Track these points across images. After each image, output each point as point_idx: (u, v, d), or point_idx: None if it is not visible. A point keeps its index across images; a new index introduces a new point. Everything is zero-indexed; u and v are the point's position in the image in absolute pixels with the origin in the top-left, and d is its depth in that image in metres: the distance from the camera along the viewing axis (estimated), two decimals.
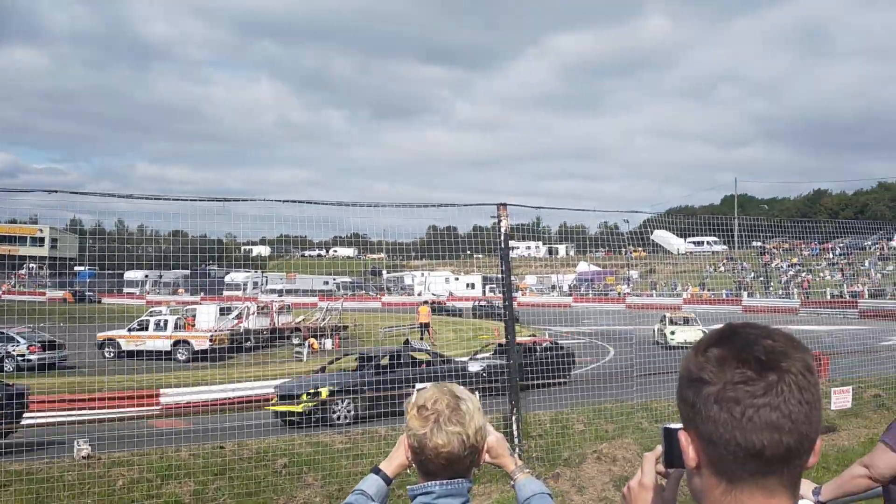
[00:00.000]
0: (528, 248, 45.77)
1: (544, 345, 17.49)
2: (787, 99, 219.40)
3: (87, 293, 25.43)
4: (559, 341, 18.50)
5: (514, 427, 9.05)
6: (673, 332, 23.92)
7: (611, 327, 23.65)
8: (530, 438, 9.75)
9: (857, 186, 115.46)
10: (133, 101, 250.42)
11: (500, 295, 9.96)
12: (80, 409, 12.99)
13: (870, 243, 42.95)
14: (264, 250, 36.04)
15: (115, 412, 13.35)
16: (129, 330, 24.62)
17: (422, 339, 26.20)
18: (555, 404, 11.24)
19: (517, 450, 9.01)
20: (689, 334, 22.73)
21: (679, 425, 1.29)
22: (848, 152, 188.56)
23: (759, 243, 29.61)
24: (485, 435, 2.25)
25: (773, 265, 38.93)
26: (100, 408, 12.62)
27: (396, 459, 2.37)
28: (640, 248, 23.11)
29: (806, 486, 3.44)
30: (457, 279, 44.34)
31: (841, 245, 36.38)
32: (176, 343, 24.27)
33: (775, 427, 1.11)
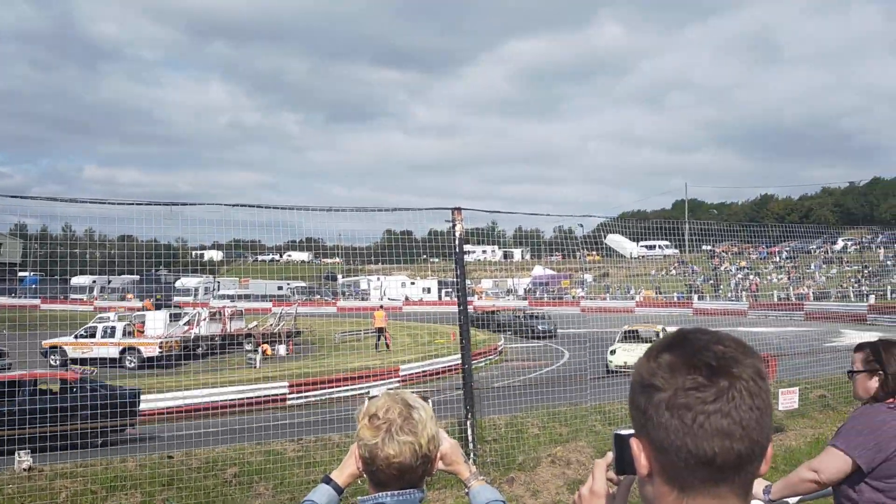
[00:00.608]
0: (484, 251, 45.94)
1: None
2: (735, 106, 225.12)
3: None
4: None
5: (469, 431, 9.03)
6: (614, 352, 19.96)
7: (566, 330, 23.89)
8: (485, 443, 9.74)
9: (802, 192, 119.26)
10: (81, 102, 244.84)
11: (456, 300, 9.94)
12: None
13: (815, 247, 44.20)
14: (216, 255, 35.49)
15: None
16: (76, 337, 23.96)
17: (378, 343, 26.07)
18: (510, 408, 11.26)
19: (472, 455, 8.99)
20: (633, 355, 18.63)
21: (630, 431, 1.27)
22: (793, 158, 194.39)
23: (709, 247, 30.23)
24: (438, 444, 2.22)
25: (722, 268, 39.78)
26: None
27: (347, 469, 2.33)
28: (594, 252, 23.34)
29: (757, 485, 3.49)
30: (413, 283, 44.22)
31: (787, 249, 37.38)
32: (124, 350, 23.70)
33: (726, 434, 1.09)
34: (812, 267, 45.15)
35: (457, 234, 9.35)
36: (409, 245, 13.18)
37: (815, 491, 3.43)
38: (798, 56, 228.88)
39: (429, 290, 46.58)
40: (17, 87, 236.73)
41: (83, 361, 21.90)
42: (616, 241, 26.50)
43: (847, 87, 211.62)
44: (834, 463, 3.29)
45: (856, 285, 40.96)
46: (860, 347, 3.60)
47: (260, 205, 9.83)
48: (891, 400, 3.39)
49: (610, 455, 1.44)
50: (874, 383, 3.45)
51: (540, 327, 24.64)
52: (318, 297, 34.19)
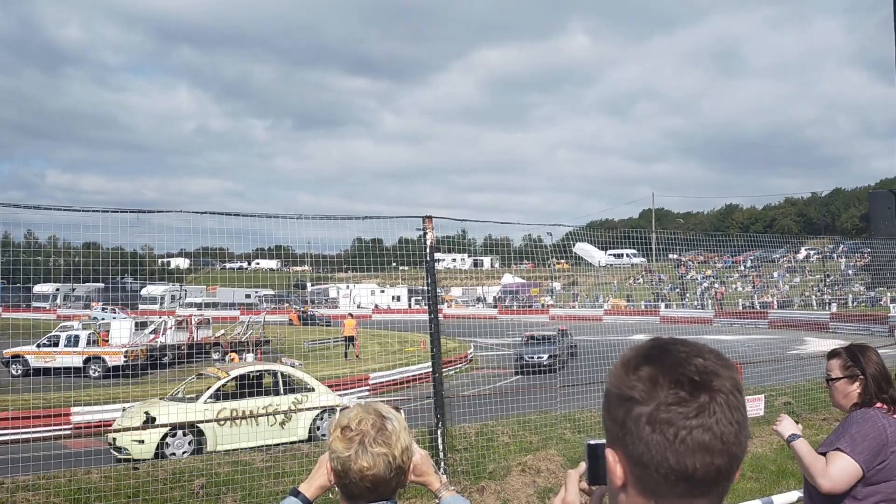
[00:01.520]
0: (454, 260, 45.98)
1: None
2: (699, 116, 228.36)
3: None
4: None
5: (440, 441, 9.01)
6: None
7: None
8: (455, 452, 9.73)
9: (766, 201, 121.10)
10: (44, 106, 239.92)
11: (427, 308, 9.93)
12: None
13: (778, 256, 45.01)
14: (183, 262, 35.04)
15: (21, 432, 12.69)
16: (39, 346, 23.46)
17: (347, 352, 25.91)
18: (480, 416, 11.27)
19: (442, 464, 8.98)
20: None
21: (601, 441, 1.27)
22: (757, 168, 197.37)
23: (676, 256, 30.63)
24: (411, 455, 2.21)
25: (688, 277, 40.30)
26: (3, 428, 11.95)
27: (317, 481, 2.30)
28: (563, 261, 23.50)
29: (789, 427, 3.49)
30: (382, 291, 44.09)
31: (752, 258, 38.00)
32: (88, 359, 23.26)
33: (707, 449, 1.09)
34: (776, 276, 45.95)
35: (428, 242, 9.35)
36: (379, 253, 13.16)
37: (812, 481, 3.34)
38: (760, 67, 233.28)
39: (398, 299, 46.46)
40: None
41: (45, 371, 21.46)
42: (584, 249, 26.69)
43: (808, 99, 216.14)
44: (847, 474, 3.22)
45: (818, 294, 41.75)
46: (835, 354, 3.53)
47: (229, 212, 9.74)
48: (879, 405, 3.34)
49: (583, 465, 1.45)
50: (855, 388, 3.40)
51: (537, 357, 19.77)
52: (287, 305, 33.95)
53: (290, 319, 28.32)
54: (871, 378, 3.38)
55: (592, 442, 1.41)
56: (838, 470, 3.24)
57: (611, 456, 1.19)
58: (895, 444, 3.24)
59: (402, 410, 2.46)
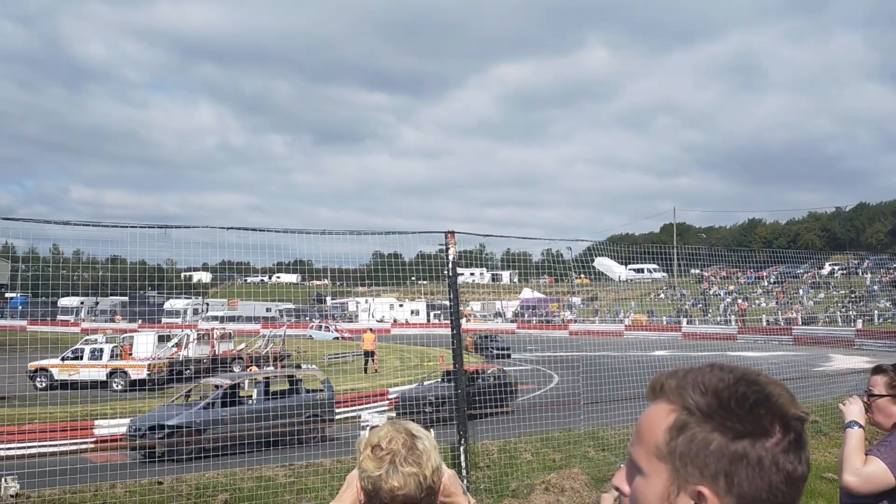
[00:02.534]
0: (473, 274, 45.92)
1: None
2: (721, 130, 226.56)
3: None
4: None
5: (463, 458, 8.97)
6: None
7: (555, 354, 23.84)
8: (478, 469, 9.68)
9: (789, 216, 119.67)
10: (68, 122, 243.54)
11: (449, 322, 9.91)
12: (8, 443, 12.42)
13: (802, 271, 44.51)
14: (205, 277, 35.34)
15: (46, 446, 12.80)
16: (63, 359, 23.70)
17: (366, 366, 25.91)
18: (502, 433, 11.21)
19: (465, 481, 8.93)
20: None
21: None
22: (779, 183, 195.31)
23: (698, 271, 30.36)
24: (441, 475, 2.20)
25: (710, 292, 39.94)
26: (30, 441, 12.07)
27: (347, 500, 2.30)
28: (582, 275, 23.42)
29: (855, 412, 3.43)
30: (401, 305, 44.14)
31: (775, 273, 37.60)
32: (112, 372, 23.46)
33: (805, 479, 1.13)
34: (800, 291, 45.44)
35: (450, 257, 9.36)
36: (398, 267, 13.19)
37: (841, 478, 3.29)
38: (781, 81, 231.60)
39: (417, 313, 46.47)
40: (3, 107, 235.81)
41: (70, 385, 21.68)
42: (604, 264, 26.57)
43: (830, 113, 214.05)
44: (877, 480, 3.17)
45: (843, 310, 41.19)
46: (881, 370, 3.43)
47: (253, 227, 9.82)
48: None
49: (614, 492, 1.43)
50: None
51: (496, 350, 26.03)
52: (307, 318, 34.08)
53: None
54: None
55: None
56: (869, 472, 3.17)
57: (706, 491, 1.12)
58: None
59: (431, 430, 2.45)
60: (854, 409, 3.43)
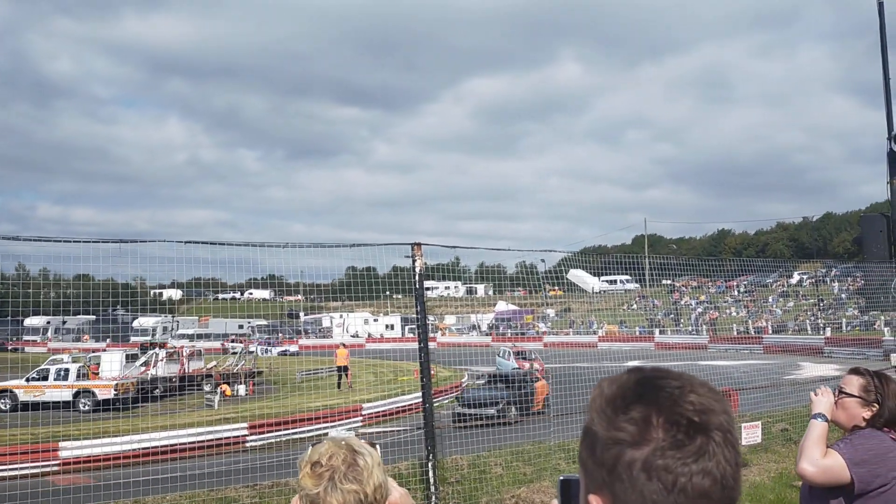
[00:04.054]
0: (447, 287, 45.89)
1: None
2: (691, 143, 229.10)
3: None
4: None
5: (431, 473, 8.86)
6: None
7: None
8: (448, 484, 9.58)
9: (758, 226, 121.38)
10: (34, 139, 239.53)
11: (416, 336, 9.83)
12: None
13: (771, 280, 45.10)
14: (175, 293, 34.87)
15: (8, 469, 12.49)
16: (28, 380, 23.19)
17: (339, 382, 25.70)
18: (473, 447, 11.12)
19: (433, 497, 8.82)
20: None
21: (575, 476, 1.20)
22: (748, 194, 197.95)
23: (669, 281, 30.61)
24: (386, 493, 2.13)
25: (682, 302, 40.29)
26: None
27: None
28: (556, 287, 23.47)
29: (823, 404, 3.40)
30: (376, 320, 43.97)
31: (745, 283, 38.06)
32: (78, 393, 22.99)
33: (707, 496, 1.01)
34: (769, 300, 45.99)
35: (417, 269, 9.29)
36: (372, 281, 13.10)
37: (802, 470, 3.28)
38: (749, 94, 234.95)
39: (392, 327, 46.34)
40: None
41: (34, 406, 21.20)
42: (578, 275, 26.71)
43: (797, 125, 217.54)
44: (833, 473, 3.16)
45: (812, 318, 41.76)
46: (858, 372, 3.41)
47: (220, 242, 9.68)
48: (886, 429, 3.26)
49: (555, 502, 1.38)
50: (864, 413, 3.30)
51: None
52: (280, 335, 33.76)
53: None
54: (889, 410, 3.29)
55: (564, 477, 1.34)
56: (827, 464, 3.18)
57: (595, 502, 1.08)
58: None
59: (377, 446, 2.38)
60: (823, 402, 3.44)
